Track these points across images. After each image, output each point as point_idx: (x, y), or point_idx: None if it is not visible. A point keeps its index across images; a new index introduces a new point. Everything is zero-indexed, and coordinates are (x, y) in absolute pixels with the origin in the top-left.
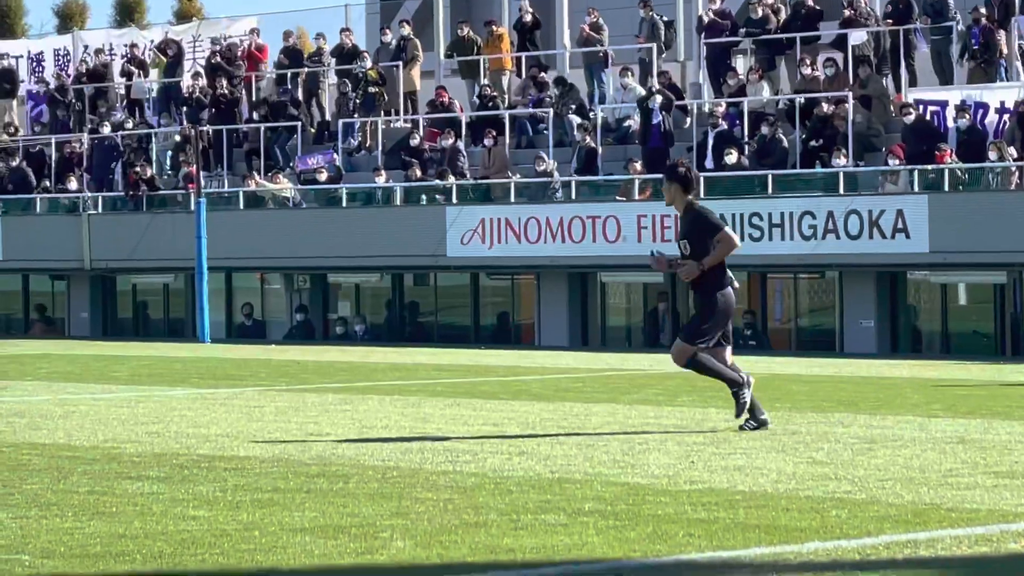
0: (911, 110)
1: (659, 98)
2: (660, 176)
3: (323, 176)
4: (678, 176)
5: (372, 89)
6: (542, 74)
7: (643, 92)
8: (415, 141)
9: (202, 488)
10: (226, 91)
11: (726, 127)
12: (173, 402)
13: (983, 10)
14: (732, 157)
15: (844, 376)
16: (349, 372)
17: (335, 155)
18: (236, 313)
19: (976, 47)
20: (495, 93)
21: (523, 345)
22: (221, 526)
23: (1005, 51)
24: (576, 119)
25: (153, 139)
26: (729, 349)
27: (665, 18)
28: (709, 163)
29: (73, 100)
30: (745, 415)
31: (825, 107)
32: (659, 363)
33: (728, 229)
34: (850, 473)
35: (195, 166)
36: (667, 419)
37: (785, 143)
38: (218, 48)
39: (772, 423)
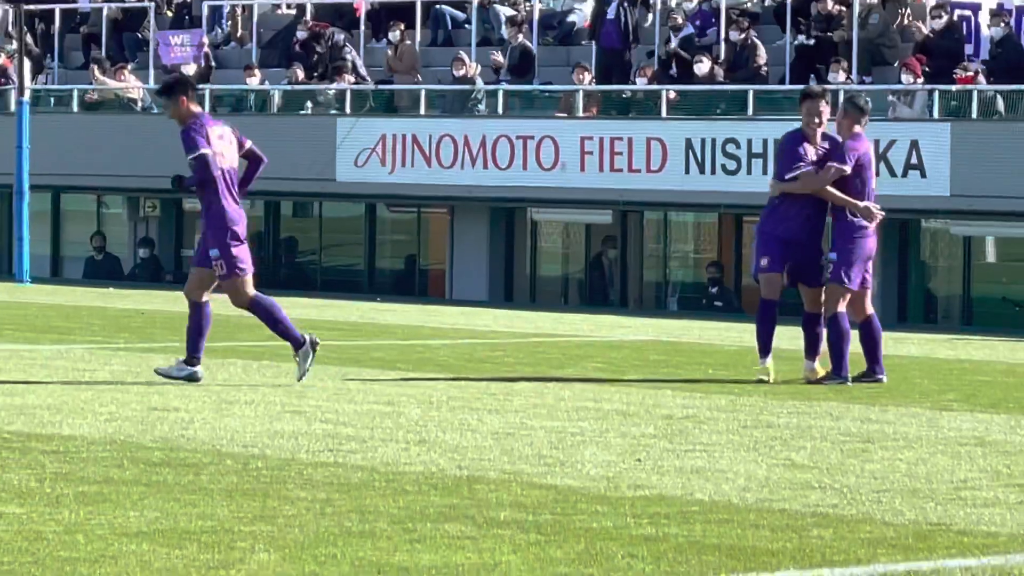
0: (941, 13)
1: None
2: (615, 87)
3: (190, 69)
4: None
5: None
6: None
7: None
8: (301, 33)
9: (12, 476)
10: None
11: (694, 29)
12: None
13: None
14: (703, 67)
15: None
16: None
17: (204, 37)
18: (65, 245)
19: None
20: None
21: (430, 299)
22: (36, 527)
23: None
24: (507, 11)
25: None
26: None
27: None
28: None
29: None
30: None
31: (830, 4)
32: (602, 327)
33: None
34: (838, 481)
35: (17, 55)
36: (609, 403)
37: (763, 51)
38: None
39: (743, 414)
